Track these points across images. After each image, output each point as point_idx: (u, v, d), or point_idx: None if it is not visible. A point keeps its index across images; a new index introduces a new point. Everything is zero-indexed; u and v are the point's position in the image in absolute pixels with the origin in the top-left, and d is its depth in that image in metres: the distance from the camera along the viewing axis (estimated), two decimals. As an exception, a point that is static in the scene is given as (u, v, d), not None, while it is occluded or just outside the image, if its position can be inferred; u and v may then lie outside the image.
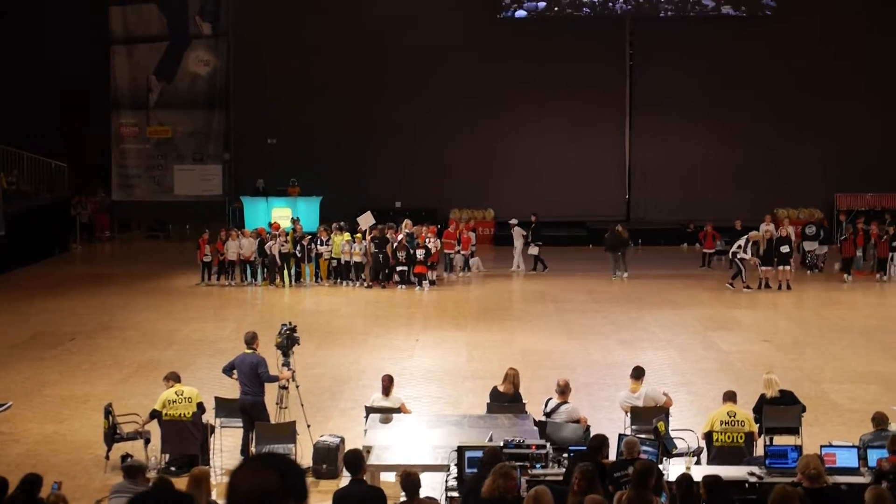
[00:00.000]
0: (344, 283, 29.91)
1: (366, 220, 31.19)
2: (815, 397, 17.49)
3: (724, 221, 33.42)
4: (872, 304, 27.77)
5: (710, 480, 10.40)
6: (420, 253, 29.42)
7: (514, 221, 33.22)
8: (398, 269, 29.62)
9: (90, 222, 38.55)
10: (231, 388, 16.21)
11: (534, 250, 32.24)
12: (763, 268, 29.03)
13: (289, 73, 39.07)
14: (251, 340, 15.35)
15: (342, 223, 30.92)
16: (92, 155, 38.91)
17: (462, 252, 31.75)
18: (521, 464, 11.61)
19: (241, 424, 15.08)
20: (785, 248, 28.95)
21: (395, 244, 29.59)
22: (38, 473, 11.09)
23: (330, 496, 10.80)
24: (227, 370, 15.44)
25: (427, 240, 29.88)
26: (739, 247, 29.19)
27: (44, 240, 34.84)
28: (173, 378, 15.03)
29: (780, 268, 28.90)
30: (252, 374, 14.93)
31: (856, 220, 32.47)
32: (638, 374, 15.35)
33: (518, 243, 32.52)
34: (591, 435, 13.04)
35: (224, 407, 15.40)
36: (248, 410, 14.90)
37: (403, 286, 29.43)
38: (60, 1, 38.55)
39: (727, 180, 39.29)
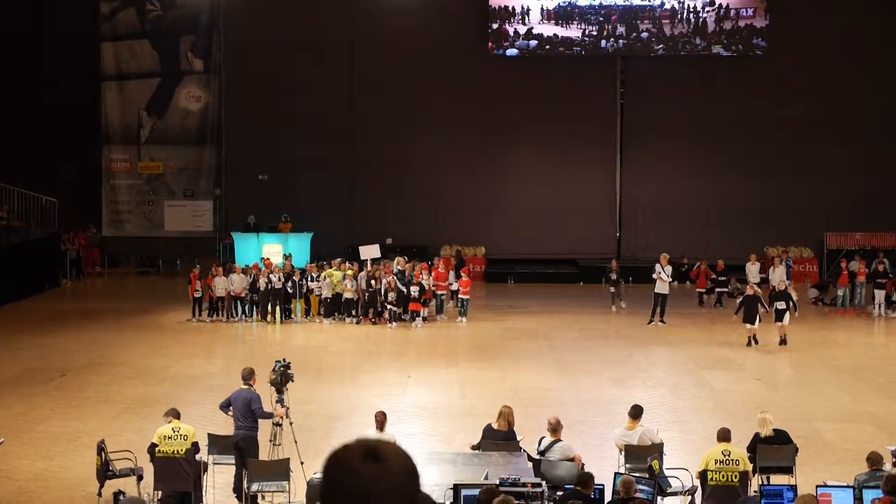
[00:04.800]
0: (334, 318, 29.84)
1: (369, 251, 31.15)
2: (807, 436, 17.51)
3: (714, 259, 33.59)
4: (862, 344, 27.81)
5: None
6: (414, 290, 29.36)
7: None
8: (388, 307, 29.52)
9: (78, 258, 38.42)
10: (223, 425, 16.16)
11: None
12: (748, 325, 26.62)
13: (280, 108, 39.10)
14: (248, 376, 15.36)
15: (340, 259, 31.00)
16: (82, 190, 38.88)
17: (462, 295, 30.58)
18: (517, 502, 11.61)
19: (234, 461, 15.02)
20: (781, 305, 26.82)
21: (385, 283, 29.45)
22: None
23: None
24: (224, 406, 15.46)
25: (421, 277, 29.83)
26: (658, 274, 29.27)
27: (34, 275, 34.73)
28: (173, 414, 14.97)
29: (778, 323, 26.81)
30: (246, 409, 14.94)
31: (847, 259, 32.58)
32: (636, 413, 15.33)
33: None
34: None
35: (217, 444, 15.35)
36: (241, 445, 14.86)
37: (394, 323, 29.38)
38: (52, 37, 38.64)
39: (717, 218, 39.37)
